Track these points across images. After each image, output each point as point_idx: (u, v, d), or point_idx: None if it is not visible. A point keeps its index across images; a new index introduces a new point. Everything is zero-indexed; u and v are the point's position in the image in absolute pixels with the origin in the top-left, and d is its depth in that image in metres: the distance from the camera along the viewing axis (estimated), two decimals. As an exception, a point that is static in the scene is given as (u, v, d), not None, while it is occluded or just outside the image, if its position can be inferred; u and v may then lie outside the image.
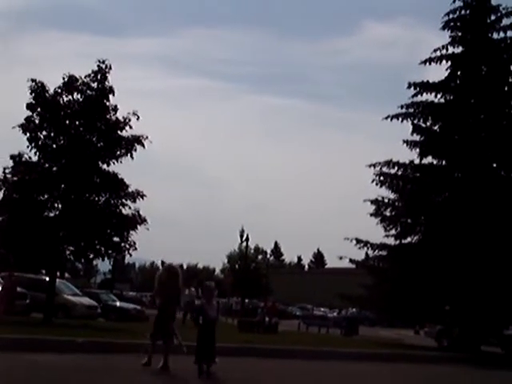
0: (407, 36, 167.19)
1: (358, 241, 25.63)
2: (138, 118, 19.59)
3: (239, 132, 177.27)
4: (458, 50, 26.24)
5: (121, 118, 19.61)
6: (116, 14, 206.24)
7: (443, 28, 26.36)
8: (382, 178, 25.66)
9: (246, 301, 49.39)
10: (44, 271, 26.05)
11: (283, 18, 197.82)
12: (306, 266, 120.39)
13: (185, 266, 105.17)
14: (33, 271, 25.92)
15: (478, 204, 23.45)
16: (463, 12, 26.29)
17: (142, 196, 19.60)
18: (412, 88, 26.13)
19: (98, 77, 19.54)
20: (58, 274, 23.70)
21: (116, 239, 19.36)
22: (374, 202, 25.71)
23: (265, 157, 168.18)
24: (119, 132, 19.56)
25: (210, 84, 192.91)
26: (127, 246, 19.41)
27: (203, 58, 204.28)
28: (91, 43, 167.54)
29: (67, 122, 19.36)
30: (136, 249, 19.64)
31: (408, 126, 25.93)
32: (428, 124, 26.19)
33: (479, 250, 22.89)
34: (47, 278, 21.37)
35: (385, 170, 25.71)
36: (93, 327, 17.95)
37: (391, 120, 26.07)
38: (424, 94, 26.16)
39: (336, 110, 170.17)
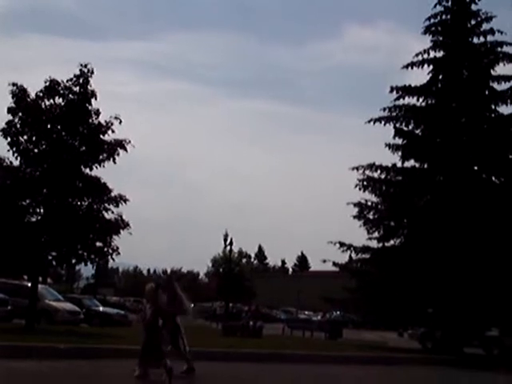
0: (389, 40, 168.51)
1: (342, 244, 25.74)
2: (121, 121, 19.49)
3: (222, 136, 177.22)
4: (440, 54, 26.51)
5: (103, 122, 19.51)
6: (97, 18, 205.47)
7: (424, 32, 26.64)
8: (365, 181, 25.81)
9: (230, 305, 49.31)
10: (26, 277, 25.79)
11: (265, 23, 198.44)
12: (290, 270, 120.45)
13: (169, 271, 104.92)
14: (15, 277, 25.66)
15: (460, 207, 23.64)
16: (444, 17, 26.57)
17: (125, 200, 19.48)
18: (394, 92, 26.33)
19: (80, 81, 19.41)
20: (41, 279, 23.50)
21: (99, 244, 19.22)
22: (357, 204, 25.84)
23: (248, 160, 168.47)
24: (101, 136, 19.44)
25: (191, 88, 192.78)
26: (110, 251, 19.27)
27: (184, 63, 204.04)
28: (72, 47, 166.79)
29: (49, 126, 19.18)
30: (119, 253, 19.51)
31: (390, 129, 26.16)
32: (410, 127, 26.39)
33: (461, 252, 23.08)
34: (29, 284, 21.16)
35: (368, 173, 25.87)
36: (76, 333, 17.80)
37: (374, 123, 26.27)
38: (406, 98, 26.40)
39: (319, 114, 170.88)
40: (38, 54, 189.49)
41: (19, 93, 18.93)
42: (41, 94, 19.15)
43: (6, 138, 18.79)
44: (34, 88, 19.19)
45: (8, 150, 18.89)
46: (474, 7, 26.47)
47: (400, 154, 25.90)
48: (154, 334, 10.20)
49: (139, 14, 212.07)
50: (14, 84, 18.95)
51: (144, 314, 10.54)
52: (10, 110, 18.94)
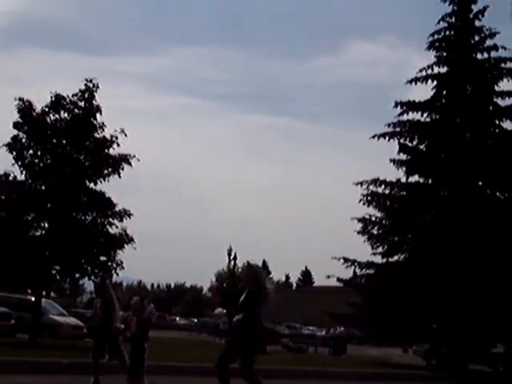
0: (391, 55, 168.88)
1: (346, 259, 25.66)
2: (126, 135, 19.60)
3: (225, 150, 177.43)
4: (443, 69, 26.59)
5: (108, 136, 19.61)
6: (100, 32, 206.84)
7: (428, 48, 26.73)
8: (369, 196, 25.77)
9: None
10: (30, 291, 25.79)
11: (267, 37, 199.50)
12: (294, 285, 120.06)
13: (172, 285, 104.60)
14: (18, 291, 25.64)
15: (465, 222, 23.58)
16: (448, 33, 26.67)
17: (129, 215, 19.55)
18: (398, 107, 26.39)
19: (86, 95, 19.55)
20: (44, 293, 23.47)
21: (103, 258, 19.26)
22: (361, 220, 25.80)
23: (251, 175, 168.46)
24: (106, 150, 19.53)
25: (194, 102, 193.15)
26: (114, 265, 19.31)
27: (187, 77, 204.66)
28: (76, 61, 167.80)
29: (54, 140, 19.31)
30: (123, 268, 19.55)
31: (395, 144, 26.16)
32: (414, 143, 26.40)
33: (466, 268, 22.98)
34: (33, 298, 21.14)
35: (372, 188, 25.84)
36: (79, 348, 17.72)
37: (378, 139, 26.27)
38: (410, 113, 26.43)
39: (322, 129, 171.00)
40: (44, 69, 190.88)
41: (25, 108, 19.06)
42: (46, 109, 19.29)
43: (12, 153, 18.90)
44: (39, 103, 19.37)
45: (13, 165, 19.02)
46: (477, 23, 26.59)
47: (404, 169, 25.90)
48: (138, 347, 10.35)
49: (144, 29, 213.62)
50: (20, 99, 19.10)
51: (129, 326, 10.64)
52: (15, 125, 19.07)
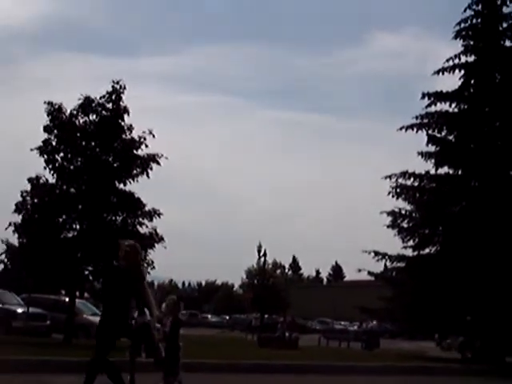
0: (416, 46, 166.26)
1: (376, 253, 25.55)
2: (154, 136, 19.73)
3: (254, 147, 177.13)
4: (471, 58, 26.23)
5: (136, 137, 19.77)
6: (126, 33, 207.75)
7: (455, 37, 26.40)
8: (398, 189, 25.60)
9: (266, 316, 49.19)
10: (64, 292, 26.16)
11: (291, 32, 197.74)
12: (325, 280, 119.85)
13: (203, 283, 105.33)
14: (53, 292, 26.03)
15: (496, 212, 23.27)
16: (474, 21, 26.31)
17: (159, 214, 19.69)
18: (426, 98, 26.12)
19: (113, 97, 19.71)
20: (78, 294, 23.81)
21: (134, 258, 19.41)
22: (391, 213, 25.64)
23: (280, 171, 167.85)
24: (135, 151, 19.70)
25: (222, 100, 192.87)
26: (145, 265, 19.46)
27: (215, 75, 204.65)
28: (102, 63, 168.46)
29: (83, 143, 19.54)
30: (154, 267, 19.70)
31: (422, 136, 25.93)
32: (443, 134, 26.14)
33: (499, 258, 22.69)
34: (67, 299, 21.47)
35: (401, 181, 25.67)
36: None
37: (406, 131, 26.08)
38: (438, 104, 26.17)
39: (349, 122, 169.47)
40: (69, 71, 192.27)
41: (54, 111, 19.31)
42: (75, 112, 19.52)
43: (43, 156, 19.19)
44: (67, 105, 19.57)
45: (44, 168, 19.30)
46: (505, 10, 26.22)
47: (433, 161, 25.65)
48: (173, 346, 10.32)
49: (167, 28, 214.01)
50: (49, 103, 19.35)
51: (163, 328, 10.58)
52: (46, 129, 19.34)
